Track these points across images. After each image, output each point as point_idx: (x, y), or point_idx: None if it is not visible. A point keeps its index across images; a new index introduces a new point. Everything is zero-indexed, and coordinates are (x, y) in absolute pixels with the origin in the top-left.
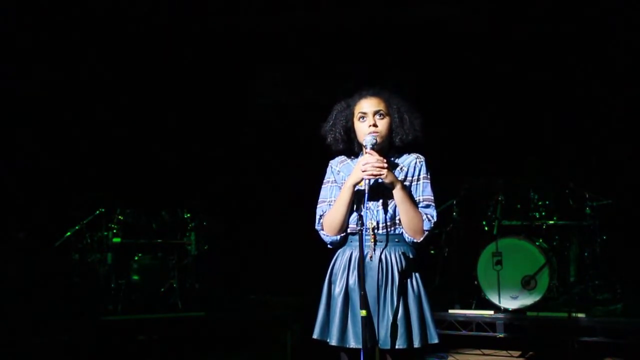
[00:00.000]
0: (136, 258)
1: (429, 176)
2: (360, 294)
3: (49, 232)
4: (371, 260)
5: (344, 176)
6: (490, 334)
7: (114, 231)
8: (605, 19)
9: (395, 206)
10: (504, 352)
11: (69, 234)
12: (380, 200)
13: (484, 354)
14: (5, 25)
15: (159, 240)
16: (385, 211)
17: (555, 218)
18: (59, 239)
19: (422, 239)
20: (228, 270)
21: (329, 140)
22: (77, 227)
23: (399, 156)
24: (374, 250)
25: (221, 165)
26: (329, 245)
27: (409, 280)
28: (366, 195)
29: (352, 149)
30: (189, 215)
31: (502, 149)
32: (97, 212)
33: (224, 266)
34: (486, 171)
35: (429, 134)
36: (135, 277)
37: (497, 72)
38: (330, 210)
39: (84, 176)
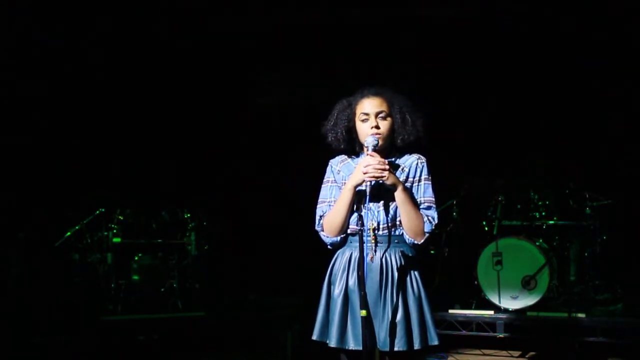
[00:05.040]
0: (136, 258)
1: (430, 177)
2: (361, 294)
3: (49, 232)
4: (372, 261)
5: (344, 176)
6: (490, 334)
7: (114, 231)
8: (606, 15)
9: (396, 207)
10: (504, 352)
11: (69, 234)
12: (381, 202)
13: (484, 354)
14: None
15: (159, 240)
16: (387, 212)
17: (555, 218)
18: (59, 239)
19: (422, 240)
20: (228, 270)
21: (329, 139)
22: (77, 227)
23: (400, 156)
24: (375, 251)
25: (221, 165)
26: (328, 246)
27: (409, 281)
28: (367, 196)
29: (353, 148)
30: (189, 215)
31: (502, 149)
32: (97, 212)
33: (224, 266)
34: (486, 171)
35: (429, 133)
36: (135, 277)
37: (497, 72)
38: (331, 211)
39: (84, 176)
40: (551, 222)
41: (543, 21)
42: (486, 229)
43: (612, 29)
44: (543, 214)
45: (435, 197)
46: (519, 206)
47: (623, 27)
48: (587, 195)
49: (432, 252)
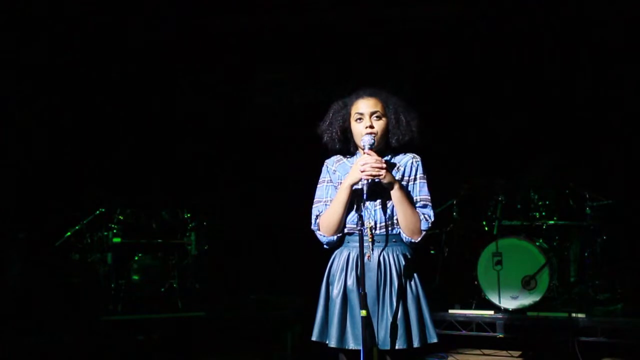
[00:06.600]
0: (136, 258)
1: (425, 176)
2: (360, 294)
3: (49, 232)
4: (369, 260)
5: (340, 175)
6: (490, 334)
7: (114, 231)
8: (605, 18)
9: (393, 206)
10: (504, 352)
11: (69, 234)
12: (378, 200)
13: (484, 354)
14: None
15: (159, 240)
16: (384, 211)
17: (555, 218)
18: (59, 239)
19: (419, 239)
20: (228, 270)
21: (325, 139)
22: (77, 227)
23: (395, 156)
24: (372, 250)
25: (221, 165)
26: (325, 246)
27: (407, 280)
28: (365, 195)
29: (349, 149)
30: (189, 215)
31: (502, 149)
32: (97, 212)
33: (224, 266)
34: (486, 171)
35: (429, 133)
36: (135, 277)
37: (497, 72)
38: (327, 211)
39: (84, 176)
40: (551, 222)
41: (543, 21)
42: (486, 229)
43: (612, 30)
44: (543, 214)
45: (431, 196)
46: (519, 206)
47: (623, 27)
48: (587, 195)
49: (432, 252)
